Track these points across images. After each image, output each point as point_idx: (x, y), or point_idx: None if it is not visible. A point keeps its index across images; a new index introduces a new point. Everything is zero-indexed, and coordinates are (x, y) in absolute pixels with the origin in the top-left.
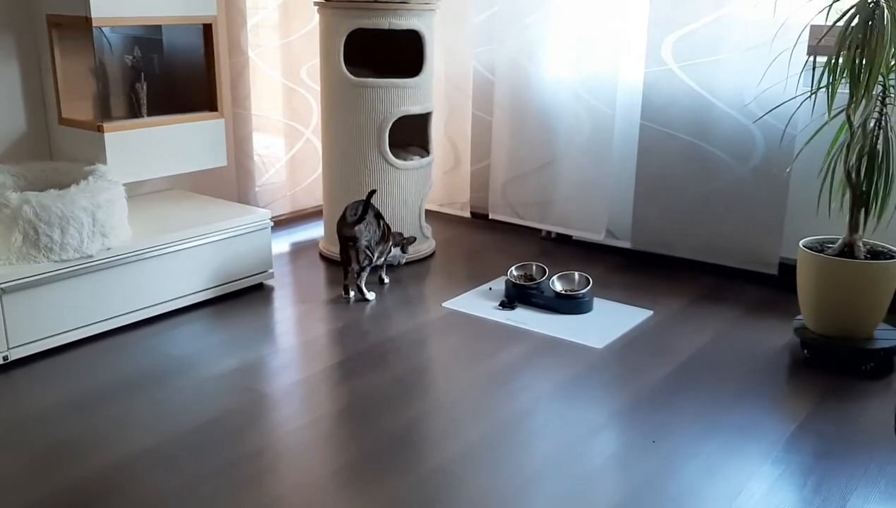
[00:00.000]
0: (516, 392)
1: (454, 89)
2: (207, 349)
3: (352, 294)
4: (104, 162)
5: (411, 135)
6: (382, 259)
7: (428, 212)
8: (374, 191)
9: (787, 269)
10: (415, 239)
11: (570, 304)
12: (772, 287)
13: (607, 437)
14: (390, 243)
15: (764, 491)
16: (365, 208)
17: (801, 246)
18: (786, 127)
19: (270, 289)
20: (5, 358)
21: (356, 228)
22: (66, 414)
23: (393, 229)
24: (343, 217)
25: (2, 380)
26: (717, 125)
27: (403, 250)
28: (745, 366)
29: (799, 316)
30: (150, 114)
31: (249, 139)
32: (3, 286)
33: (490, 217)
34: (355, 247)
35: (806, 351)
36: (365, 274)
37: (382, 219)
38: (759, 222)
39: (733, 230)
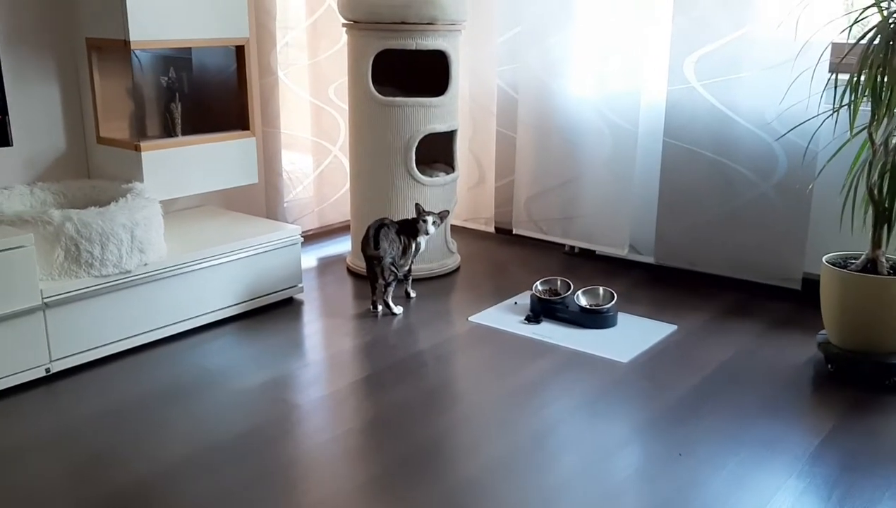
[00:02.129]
0: (543, 405)
1: (478, 107)
2: (241, 362)
3: (380, 308)
4: (141, 180)
5: (437, 152)
6: (406, 268)
7: (453, 227)
8: (418, 206)
9: (811, 284)
10: (447, 212)
11: (595, 319)
12: (795, 302)
13: (633, 450)
14: (414, 253)
15: (790, 504)
16: (378, 231)
17: (824, 261)
18: (808, 144)
19: (300, 304)
20: (48, 370)
21: (380, 247)
22: (106, 424)
23: (430, 218)
24: (366, 237)
25: (45, 391)
26: (740, 142)
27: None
28: (769, 381)
29: (822, 331)
30: (182, 133)
31: (278, 156)
32: (46, 300)
33: (514, 232)
34: (380, 265)
35: (830, 366)
36: (391, 290)
37: (404, 233)
38: (782, 238)
39: (756, 246)
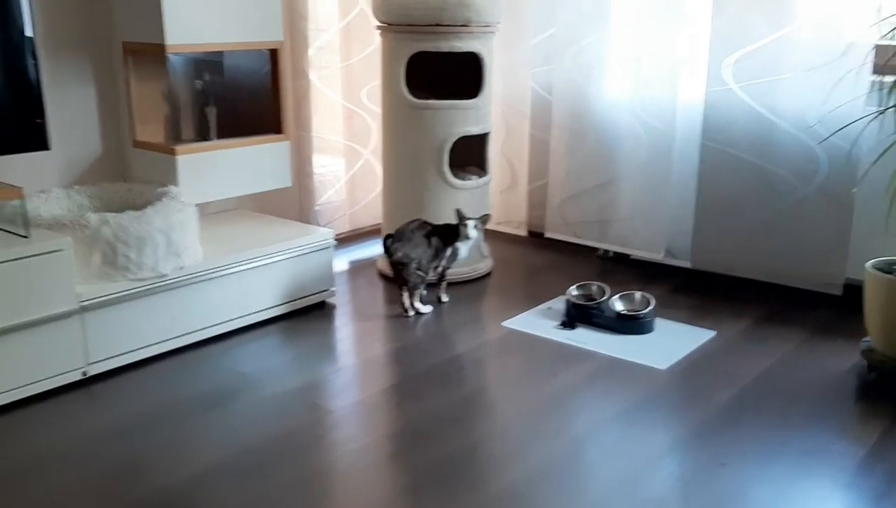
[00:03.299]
0: (580, 413)
1: (511, 109)
2: (274, 366)
3: (410, 312)
4: (176, 183)
5: (469, 155)
6: (440, 272)
7: (485, 230)
8: (459, 211)
9: (853, 290)
10: (488, 216)
11: (631, 325)
12: (837, 308)
13: (674, 460)
14: (451, 258)
15: None
16: (399, 237)
17: (868, 267)
18: (851, 147)
19: (332, 307)
20: (84, 373)
21: (400, 253)
22: (142, 428)
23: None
24: (385, 242)
25: (82, 394)
26: (780, 144)
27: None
28: (811, 389)
29: (866, 338)
30: (216, 136)
31: (310, 160)
32: (83, 303)
33: (546, 235)
34: (406, 270)
35: (874, 374)
36: (418, 293)
37: (439, 236)
38: (823, 243)
39: (797, 250)
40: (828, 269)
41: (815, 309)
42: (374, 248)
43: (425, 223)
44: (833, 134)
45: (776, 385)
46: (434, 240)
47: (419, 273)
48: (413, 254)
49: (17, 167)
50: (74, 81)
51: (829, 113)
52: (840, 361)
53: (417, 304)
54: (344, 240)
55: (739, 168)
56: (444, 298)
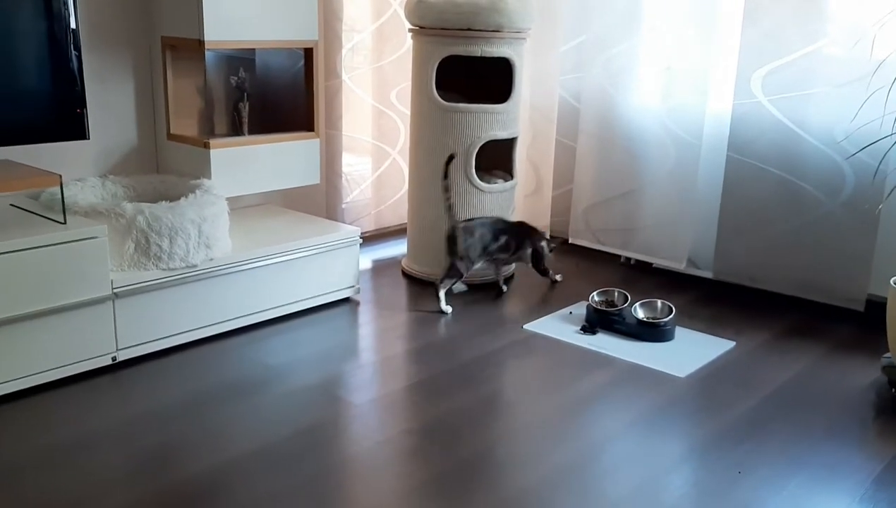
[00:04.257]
0: (599, 418)
1: (539, 115)
2: (300, 359)
3: (462, 286)
4: (209, 177)
5: (495, 158)
6: (497, 269)
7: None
8: (537, 230)
9: (875, 306)
10: (552, 247)
11: (652, 332)
12: (858, 324)
13: (691, 467)
14: (512, 256)
15: None
16: (471, 219)
17: (892, 283)
18: (879, 164)
19: (356, 304)
20: (114, 358)
21: (459, 230)
22: (169, 415)
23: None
24: (454, 230)
25: (110, 380)
26: (806, 159)
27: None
28: (830, 402)
29: (887, 355)
30: (249, 132)
31: (339, 158)
32: (115, 290)
33: (570, 241)
34: (455, 250)
35: (894, 390)
36: (449, 283)
37: (505, 235)
38: (847, 258)
39: (820, 265)
40: (850, 285)
41: (837, 324)
42: (399, 248)
43: (501, 220)
44: (860, 150)
45: (795, 397)
46: (502, 238)
47: (462, 263)
48: (467, 237)
49: (55, 155)
50: (114, 74)
51: (857, 129)
52: (860, 376)
53: (442, 297)
54: (369, 239)
55: (765, 181)
56: (504, 288)
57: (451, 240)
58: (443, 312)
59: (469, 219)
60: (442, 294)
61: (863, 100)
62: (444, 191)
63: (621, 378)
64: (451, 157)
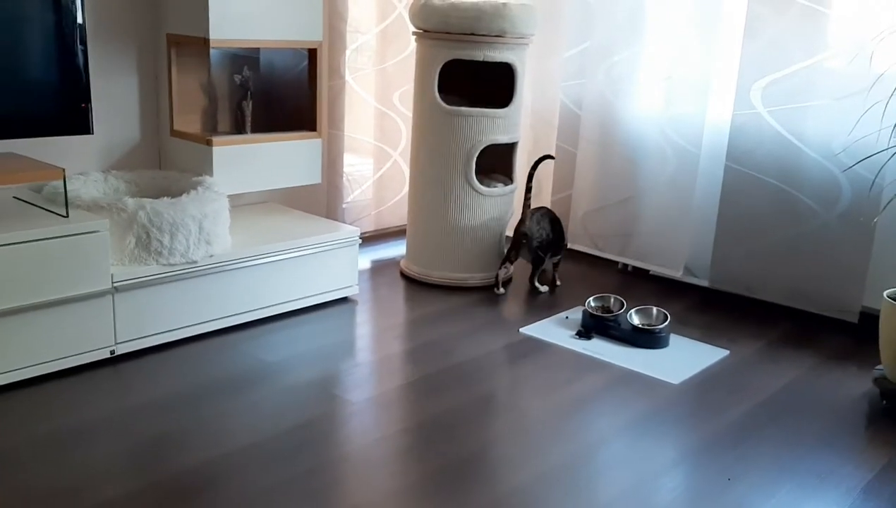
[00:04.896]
0: (592, 421)
1: (539, 121)
2: (297, 356)
3: (500, 289)
4: (211, 174)
5: (495, 162)
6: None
7: (508, 238)
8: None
9: (868, 318)
10: (559, 256)
11: (647, 338)
12: (851, 335)
13: (682, 472)
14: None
15: None
16: (530, 215)
17: (885, 296)
18: (875, 177)
19: (354, 304)
20: (112, 352)
21: (526, 227)
22: (166, 408)
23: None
24: (522, 220)
25: (109, 373)
26: (804, 170)
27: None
28: (822, 412)
29: (879, 366)
30: (251, 130)
31: (341, 158)
32: (115, 285)
33: (568, 246)
34: (527, 246)
35: (885, 401)
36: (538, 271)
37: (559, 224)
38: (842, 270)
39: (815, 276)
40: (845, 296)
41: (831, 335)
42: (398, 249)
43: (550, 211)
44: (857, 163)
45: (787, 405)
46: (558, 227)
47: (538, 253)
48: (537, 232)
49: (58, 148)
50: (119, 69)
51: (855, 142)
52: (852, 387)
53: (536, 283)
54: (368, 239)
55: (762, 191)
56: (558, 282)
57: (524, 235)
58: (540, 292)
59: (532, 211)
60: (535, 281)
61: (861, 113)
62: (527, 191)
63: (615, 383)
64: (542, 158)
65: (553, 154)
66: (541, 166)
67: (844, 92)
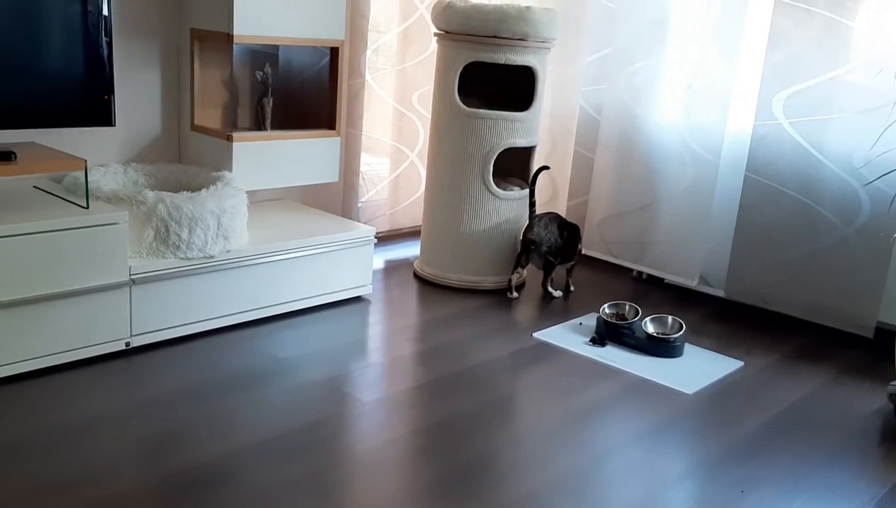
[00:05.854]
0: (604, 428)
1: (558, 125)
2: (310, 354)
3: (558, 292)
4: (230, 169)
5: (512, 165)
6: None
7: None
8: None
9: (884, 334)
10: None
11: (661, 347)
12: (866, 350)
13: (694, 483)
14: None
15: None
16: (537, 221)
17: None
18: None
19: (367, 303)
20: (128, 344)
21: (534, 233)
22: (179, 402)
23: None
24: (530, 226)
25: (124, 364)
26: (824, 184)
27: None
28: (836, 427)
29: (894, 382)
30: (271, 127)
31: (358, 158)
32: (133, 277)
33: (583, 252)
34: (536, 252)
35: None
36: (549, 276)
37: (567, 229)
38: (858, 285)
39: (832, 290)
40: (861, 311)
41: (846, 350)
42: (412, 249)
43: (559, 216)
44: (878, 178)
45: (801, 419)
46: (566, 232)
47: (549, 257)
48: (545, 237)
49: (79, 139)
50: (142, 63)
51: (876, 157)
52: (867, 402)
53: (549, 288)
54: (382, 239)
55: (781, 203)
56: (571, 288)
57: (531, 242)
58: (554, 297)
59: (539, 216)
60: (548, 286)
61: (883, 128)
62: (531, 197)
63: (628, 391)
64: (540, 169)
65: (570, 159)
66: (559, 170)
67: (867, 106)
